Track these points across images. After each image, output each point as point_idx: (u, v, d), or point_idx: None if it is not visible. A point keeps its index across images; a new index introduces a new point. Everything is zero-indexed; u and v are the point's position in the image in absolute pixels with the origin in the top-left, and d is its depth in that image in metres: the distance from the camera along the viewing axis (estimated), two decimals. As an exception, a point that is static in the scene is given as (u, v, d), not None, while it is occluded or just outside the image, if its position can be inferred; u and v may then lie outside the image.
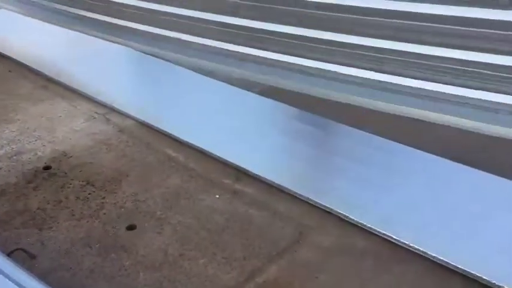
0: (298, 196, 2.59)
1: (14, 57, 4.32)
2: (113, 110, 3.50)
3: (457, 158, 2.79)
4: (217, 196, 2.67)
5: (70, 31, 4.80)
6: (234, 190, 2.71)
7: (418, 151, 2.88)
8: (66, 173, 2.87)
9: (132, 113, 3.42)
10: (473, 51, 1.57)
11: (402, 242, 2.26)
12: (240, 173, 2.81)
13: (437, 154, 2.83)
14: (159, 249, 2.33)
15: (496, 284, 2.03)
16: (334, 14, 1.84)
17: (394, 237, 2.28)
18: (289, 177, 2.72)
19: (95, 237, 2.40)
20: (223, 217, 2.52)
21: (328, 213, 2.48)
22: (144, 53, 3.43)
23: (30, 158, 3.02)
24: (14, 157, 3.03)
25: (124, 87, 3.86)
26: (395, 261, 2.22)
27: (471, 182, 2.63)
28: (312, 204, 2.54)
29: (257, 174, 2.76)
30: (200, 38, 2.39)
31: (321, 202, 2.52)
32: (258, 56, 2.18)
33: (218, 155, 2.94)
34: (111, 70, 4.09)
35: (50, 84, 3.92)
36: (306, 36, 1.97)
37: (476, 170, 2.69)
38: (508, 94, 1.55)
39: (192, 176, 2.84)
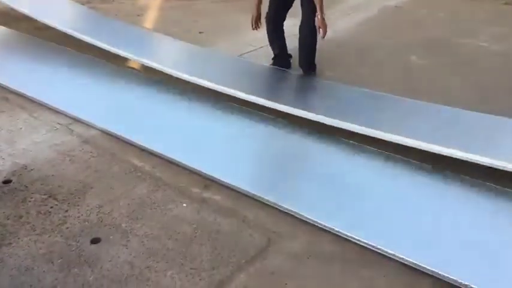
0: (266, 202, 2.57)
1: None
2: (76, 120, 3.41)
3: (420, 159, 2.84)
4: (184, 205, 2.62)
5: (29, 43, 4.70)
6: (202, 198, 2.67)
7: (384, 152, 2.90)
8: (27, 187, 2.77)
9: (96, 122, 3.34)
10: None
11: (370, 245, 2.26)
12: (208, 181, 2.77)
13: (401, 156, 2.87)
14: (124, 262, 2.26)
15: (464, 283, 2.04)
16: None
17: (362, 240, 2.28)
18: (257, 183, 2.70)
19: (57, 252, 2.31)
20: (191, 227, 2.47)
21: (296, 218, 2.47)
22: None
23: (-11, 172, 2.91)
24: (-28, 171, 2.91)
25: (87, 97, 3.76)
26: (364, 265, 2.21)
27: (436, 185, 2.66)
28: (280, 210, 2.52)
29: (225, 182, 2.72)
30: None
31: (289, 208, 2.50)
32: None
33: (185, 163, 2.89)
34: (73, 80, 3.99)
35: (10, 95, 3.79)
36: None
37: (440, 172, 2.73)
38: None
39: (159, 185, 2.78)
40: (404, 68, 4.28)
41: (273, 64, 4.12)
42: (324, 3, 3.70)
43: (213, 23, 5.47)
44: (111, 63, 4.25)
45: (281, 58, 4.08)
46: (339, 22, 5.22)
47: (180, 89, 3.78)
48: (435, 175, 2.73)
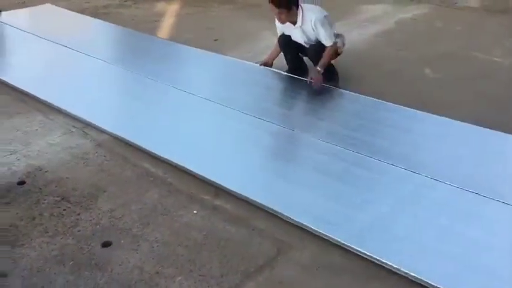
0: (275, 213, 2.57)
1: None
2: (91, 124, 3.45)
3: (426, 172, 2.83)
4: (195, 212, 2.64)
5: (50, 48, 4.79)
6: (213, 206, 2.68)
7: (390, 166, 2.90)
8: (41, 189, 2.81)
9: (109, 128, 3.37)
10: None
11: (376, 259, 2.26)
12: (219, 189, 2.78)
13: (407, 168, 2.87)
14: (134, 266, 2.28)
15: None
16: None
17: (367, 253, 2.28)
18: (267, 194, 2.70)
19: (68, 254, 2.34)
20: (201, 234, 2.48)
21: (305, 230, 2.47)
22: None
23: (4, 173, 2.95)
24: (-12, 172, 2.96)
25: (101, 103, 3.81)
26: (371, 278, 2.21)
27: (441, 196, 2.66)
28: (289, 221, 2.52)
29: (236, 191, 2.73)
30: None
31: (298, 219, 2.50)
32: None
33: (197, 172, 2.90)
34: (90, 85, 4.04)
35: (27, 97, 3.85)
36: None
37: (445, 184, 2.73)
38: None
39: (171, 191, 2.80)
40: (418, 80, 4.27)
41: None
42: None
43: (227, 31, 5.51)
44: (123, 69, 4.31)
45: (293, 71, 4.13)
46: (354, 33, 5.23)
47: (192, 96, 3.81)
48: (443, 188, 2.72)
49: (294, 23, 3.80)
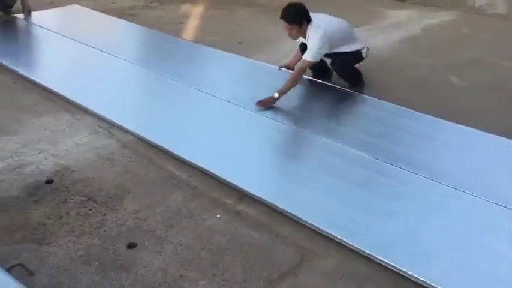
0: (299, 221, 2.57)
1: (20, 70, 4.32)
2: (116, 124, 3.49)
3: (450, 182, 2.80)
4: (218, 216, 2.65)
5: (77, 49, 4.86)
6: (236, 211, 2.69)
7: (414, 175, 2.87)
8: (68, 188, 2.86)
9: (134, 129, 3.41)
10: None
11: (401, 270, 2.24)
12: (243, 194, 2.79)
13: (430, 178, 2.83)
14: (159, 269, 2.31)
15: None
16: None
17: (393, 264, 2.26)
18: (290, 201, 2.69)
19: (94, 254, 2.38)
20: (224, 238, 2.49)
21: (329, 238, 2.46)
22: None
23: (32, 171, 3.00)
24: (17, 170, 3.01)
25: (126, 103, 3.85)
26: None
27: (467, 208, 2.63)
28: (314, 229, 2.52)
29: (259, 197, 2.73)
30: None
31: (323, 228, 2.49)
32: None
33: (221, 175, 2.90)
34: (115, 86, 4.09)
35: (54, 96, 3.92)
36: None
37: (471, 195, 2.70)
38: None
39: (195, 194, 2.82)
40: (443, 88, 4.22)
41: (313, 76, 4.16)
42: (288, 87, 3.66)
43: (251, 34, 5.52)
44: (148, 70, 4.35)
45: (316, 76, 4.12)
46: (379, 38, 5.19)
47: (215, 98, 3.82)
48: (469, 199, 2.69)
49: (305, 37, 3.79)
